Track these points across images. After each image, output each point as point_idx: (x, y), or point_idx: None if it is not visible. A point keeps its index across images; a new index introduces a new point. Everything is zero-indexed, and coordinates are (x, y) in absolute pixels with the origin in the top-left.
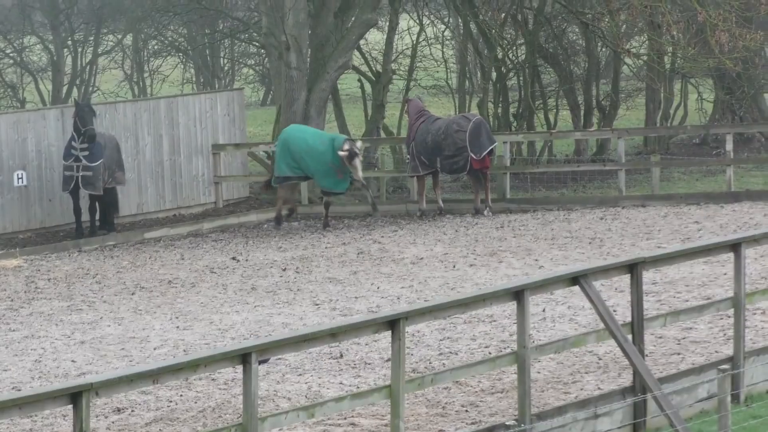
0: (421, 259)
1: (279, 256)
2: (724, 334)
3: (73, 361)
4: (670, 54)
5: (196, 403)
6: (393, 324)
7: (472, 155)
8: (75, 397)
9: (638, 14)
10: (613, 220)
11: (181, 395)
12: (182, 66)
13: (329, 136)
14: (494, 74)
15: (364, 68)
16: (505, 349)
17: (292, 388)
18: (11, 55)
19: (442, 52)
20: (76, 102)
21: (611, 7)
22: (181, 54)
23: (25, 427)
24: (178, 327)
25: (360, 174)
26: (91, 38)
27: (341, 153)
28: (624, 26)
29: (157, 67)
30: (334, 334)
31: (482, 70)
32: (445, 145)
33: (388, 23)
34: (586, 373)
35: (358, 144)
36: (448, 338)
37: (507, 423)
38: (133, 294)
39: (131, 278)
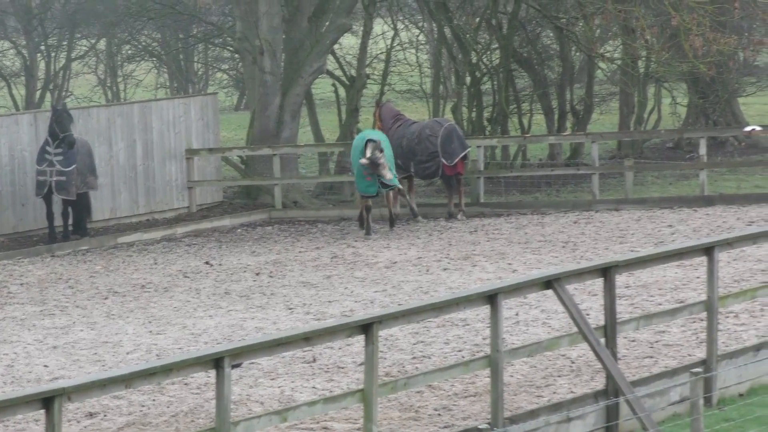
0: (395, 263)
1: (252, 260)
2: (697, 338)
3: (45, 366)
4: (644, 58)
5: (168, 407)
6: (366, 328)
7: (444, 161)
8: (47, 401)
9: (612, 19)
10: (586, 224)
11: (153, 400)
12: (156, 70)
13: (366, 137)
14: (468, 79)
15: (338, 73)
16: (478, 352)
17: (265, 393)
18: None
19: (417, 57)
20: (53, 107)
21: (585, 11)
22: (154, 58)
23: None
24: (151, 332)
25: (389, 175)
26: (65, 43)
27: (362, 162)
28: (598, 31)
29: (130, 72)
30: (307, 339)
31: (456, 74)
32: (418, 149)
33: (362, 28)
34: (559, 376)
35: (377, 146)
36: (422, 342)
37: (480, 427)
38: (106, 299)
39: (104, 283)
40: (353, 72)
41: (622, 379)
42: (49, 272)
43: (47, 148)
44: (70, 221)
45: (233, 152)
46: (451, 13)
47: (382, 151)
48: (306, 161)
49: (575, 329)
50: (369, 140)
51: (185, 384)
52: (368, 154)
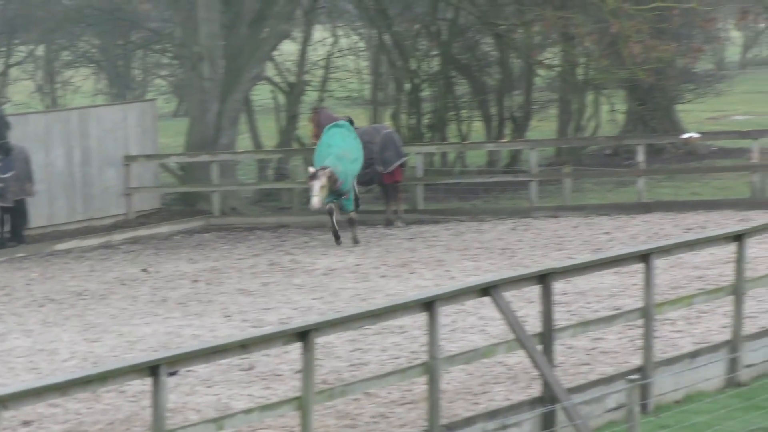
0: (333, 270)
1: (190, 267)
2: (634, 345)
3: None
4: (583, 65)
5: (104, 415)
6: (303, 335)
7: (380, 169)
8: None
9: (552, 26)
10: (524, 231)
11: (89, 408)
12: (95, 77)
13: (328, 151)
14: (408, 85)
15: (277, 79)
16: (415, 360)
17: (202, 401)
18: None
19: (356, 63)
20: None
21: (525, 18)
22: (93, 65)
23: None
24: (87, 339)
25: (313, 200)
26: (3, 49)
27: (309, 169)
28: (538, 37)
29: (69, 78)
30: (244, 346)
31: (396, 81)
32: None
33: (302, 34)
34: (496, 383)
35: (328, 170)
36: (359, 349)
37: None
38: (42, 306)
39: (41, 290)
40: (292, 78)
41: (559, 386)
42: None
43: None
44: (7, 228)
45: (171, 159)
46: (391, 20)
47: (330, 179)
48: (244, 168)
49: (512, 336)
50: (321, 168)
51: (121, 392)
52: (316, 169)
